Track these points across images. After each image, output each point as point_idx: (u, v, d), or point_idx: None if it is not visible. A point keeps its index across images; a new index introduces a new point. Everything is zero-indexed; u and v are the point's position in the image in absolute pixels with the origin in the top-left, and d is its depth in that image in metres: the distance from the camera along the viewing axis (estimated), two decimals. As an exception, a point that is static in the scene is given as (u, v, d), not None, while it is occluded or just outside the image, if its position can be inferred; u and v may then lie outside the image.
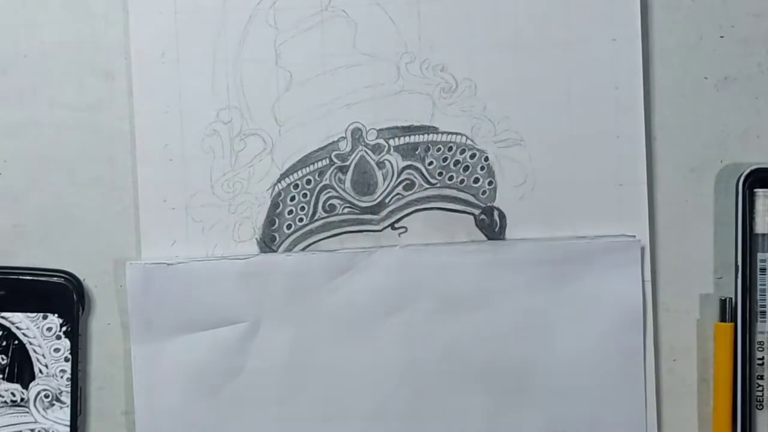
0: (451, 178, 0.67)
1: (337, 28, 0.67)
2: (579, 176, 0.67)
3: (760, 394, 0.66)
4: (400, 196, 0.67)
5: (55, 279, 0.66)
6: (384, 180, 0.67)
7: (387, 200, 0.67)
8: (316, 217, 0.67)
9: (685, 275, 0.68)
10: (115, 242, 0.67)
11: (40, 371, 0.65)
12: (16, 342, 0.65)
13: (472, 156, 0.67)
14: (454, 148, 0.67)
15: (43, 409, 0.65)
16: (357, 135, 0.67)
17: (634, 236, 0.67)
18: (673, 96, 0.68)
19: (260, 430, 0.66)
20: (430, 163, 0.67)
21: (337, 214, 0.67)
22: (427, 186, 0.67)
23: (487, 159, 0.67)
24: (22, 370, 0.65)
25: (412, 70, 0.67)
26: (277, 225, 0.67)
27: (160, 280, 0.65)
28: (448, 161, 0.67)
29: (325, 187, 0.67)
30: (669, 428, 0.68)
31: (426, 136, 0.67)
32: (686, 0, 0.68)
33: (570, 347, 0.66)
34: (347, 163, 0.67)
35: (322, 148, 0.67)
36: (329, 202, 0.67)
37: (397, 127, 0.67)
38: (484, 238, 0.67)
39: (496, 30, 0.67)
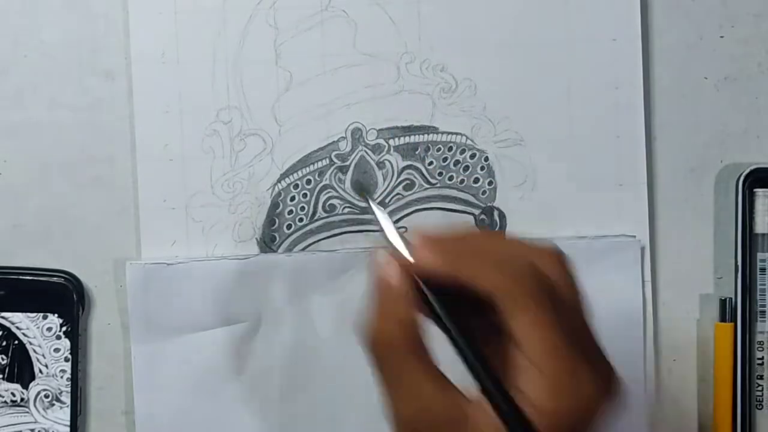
0: (451, 178, 0.67)
1: (337, 28, 0.67)
2: (579, 176, 0.67)
3: (760, 393, 0.66)
4: (400, 196, 0.67)
5: (55, 279, 0.66)
6: (384, 180, 0.67)
7: (387, 200, 0.67)
8: (316, 217, 0.67)
9: (685, 275, 0.68)
10: (115, 242, 0.66)
11: (40, 371, 0.65)
12: (16, 342, 0.65)
13: (472, 156, 0.67)
14: (454, 148, 0.67)
15: (43, 409, 0.65)
16: (357, 135, 0.67)
17: (635, 236, 0.67)
18: (673, 96, 0.68)
19: (260, 429, 0.66)
20: (430, 163, 0.67)
21: (337, 214, 0.67)
22: (427, 186, 0.67)
23: (487, 159, 0.67)
24: (22, 370, 0.65)
25: (412, 70, 0.67)
26: (277, 225, 0.67)
27: (160, 280, 0.65)
28: (448, 161, 0.67)
29: (325, 187, 0.67)
30: (669, 428, 0.68)
31: (426, 136, 0.67)
32: (686, 0, 0.68)
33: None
34: (347, 163, 0.67)
35: (322, 148, 0.67)
36: (329, 202, 0.67)
37: (397, 127, 0.67)
38: (484, 238, 0.67)
39: (496, 30, 0.67)
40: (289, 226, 0.67)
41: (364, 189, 0.67)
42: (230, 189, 0.67)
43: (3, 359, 0.65)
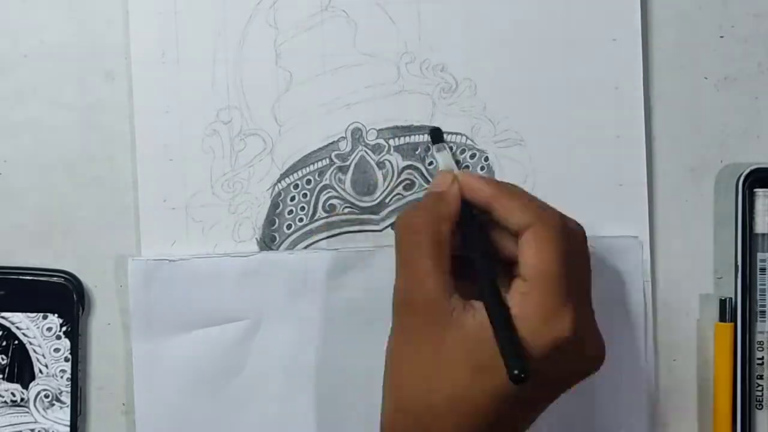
0: (451, 178, 0.67)
1: (337, 28, 0.67)
2: (579, 176, 0.67)
3: (759, 393, 0.66)
4: (400, 196, 0.67)
5: (55, 279, 0.66)
6: (384, 180, 0.67)
7: (387, 200, 0.67)
8: (316, 217, 0.67)
9: (685, 275, 0.68)
10: (115, 242, 0.66)
11: (40, 371, 0.65)
12: (16, 342, 0.65)
13: (472, 156, 0.67)
14: (454, 148, 0.67)
15: (43, 409, 0.65)
16: (357, 135, 0.67)
17: (636, 237, 0.67)
18: (673, 96, 0.68)
19: (261, 428, 0.66)
20: (430, 163, 0.67)
21: (337, 214, 0.67)
22: (428, 186, 0.67)
23: (487, 159, 0.67)
24: (22, 370, 0.65)
25: (412, 70, 0.67)
26: (277, 225, 0.67)
27: (161, 277, 0.65)
28: (448, 161, 0.67)
29: (325, 187, 0.67)
30: (669, 428, 0.68)
31: (426, 136, 0.67)
32: (686, 0, 0.68)
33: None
34: (347, 163, 0.67)
35: (322, 148, 0.67)
36: (329, 202, 0.67)
37: (397, 127, 0.67)
38: (484, 238, 0.67)
39: (496, 30, 0.67)
40: (289, 226, 0.67)
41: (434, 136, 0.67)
42: (230, 189, 0.67)
43: (3, 359, 0.65)
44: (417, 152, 0.67)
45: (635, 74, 0.67)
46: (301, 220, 0.67)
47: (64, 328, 0.65)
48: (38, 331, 0.65)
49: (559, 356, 0.55)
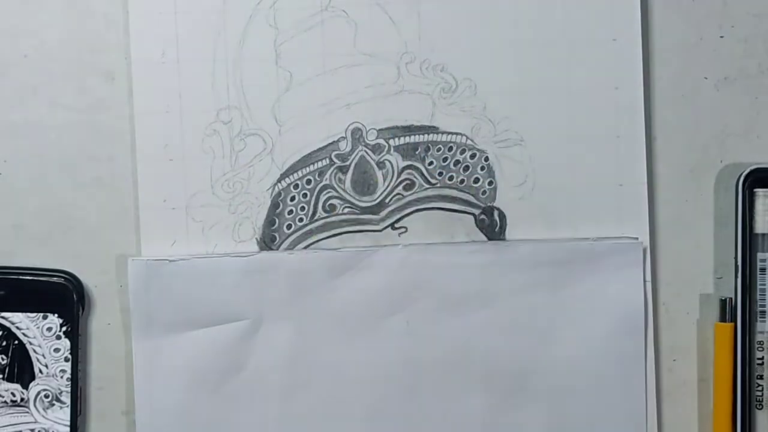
0: (451, 178, 0.67)
1: (337, 28, 0.67)
2: (579, 176, 0.67)
3: (759, 393, 0.66)
4: (400, 196, 0.67)
5: (55, 279, 0.66)
6: (384, 180, 0.67)
7: (387, 200, 0.67)
8: (316, 217, 0.67)
9: (685, 275, 0.68)
10: (115, 242, 0.67)
11: (40, 371, 0.65)
12: (16, 342, 0.65)
13: (472, 156, 0.67)
14: (454, 148, 0.67)
15: (43, 409, 0.65)
16: (357, 135, 0.67)
17: (636, 238, 0.67)
18: (673, 96, 0.68)
19: (261, 428, 0.66)
20: (430, 163, 0.67)
21: (337, 214, 0.67)
22: (427, 186, 0.67)
23: (487, 159, 0.67)
24: (22, 370, 0.65)
25: (412, 70, 0.67)
26: (277, 225, 0.67)
27: (161, 277, 0.65)
28: (448, 161, 0.67)
29: (325, 187, 0.67)
30: (669, 428, 0.68)
31: (426, 136, 0.67)
32: (686, 0, 0.68)
33: (570, 347, 0.66)
34: (347, 163, 0.67)
35: (322, 148, 0.67)
36: (329, 202, 0.67)
37: (397, 127, 0.67)
38: (484, 238, 0.67)
39: (496, 30, 0.67)
40: (289, 226, 0.67)
41: None
42: (230, 189, 0.67)
43: (3, 359, 0.65)
44: (417, 152, 0.67)
45: (635, 74, 0.67)
46: (301, 220, 0.67)
47: (64, 328, 0.65)
48: (38, 331, 0.65)
49: None
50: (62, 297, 0.65)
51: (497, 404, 0.67)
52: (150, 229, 0.66)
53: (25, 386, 0.65)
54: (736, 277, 0.66)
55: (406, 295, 0.66)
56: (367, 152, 0.67)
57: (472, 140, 0.67)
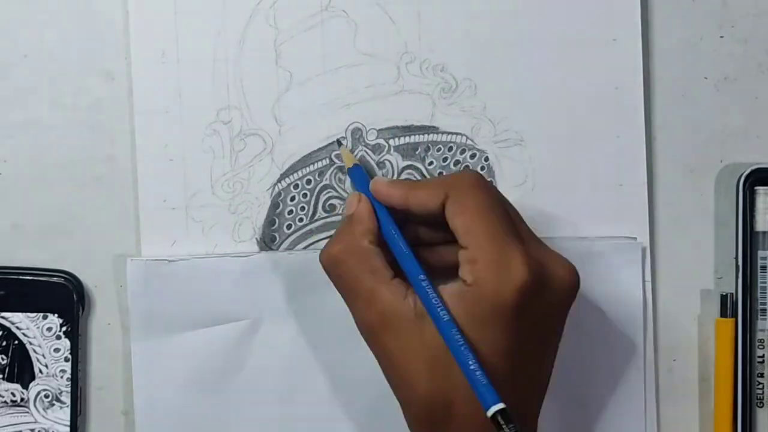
0: (451, 178, 0.67)
1: (337, 28, 0.67)
2: (579, 176, 0.67)
3: (760, 392, 0.66)
4: (400, 196, 0.67)
5: (55, 279, 0.66)
6: (384, 180, 0.67)
7: (387, 200, 0.67)
8: (316, 217, 0.67)
9: (685, 275, 0.68)
10: (115, 242, 0.66)
11: (40, 371, 0.65)
12: (16, 342, 0.65)
13: (473, 156, 0.67)
14: (455, 148, 0.67)
15: (43, 409, 0.65)
16: (357, 135, 0.67)
17: (635, 238, 0.67)
18: (673, 96, 0.68)
19: (260, 428, 0.66)
20: (431, 163, 0.67)
21: (337, 214, 0.67)
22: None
23: (487, 159, 0.67)
24: (22, 370, 0.65)
25: (412, 70, 0.67)
26: (277, 225, 0.67)
27: (161, 277, 0.65)
28: (448, 161, 0.67)
29: (325, 187, 0.67)
30: (669, 428, 0.68)
31: (426, 136, 0.67)
32: (686, 0, 0.68)
33: (569, 347, 0.66)
34: (347, 163, 0.67)
35: (322, 148, 0.67)
36: (329, 202, 0.67)
37: (397, 127, 0.67)
38: (485, 238, 0.67)
39: (496, 30, 0.67)
40: (289, 226, 0.67)
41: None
42: (230, 189, 0.67)
43: (3, 359, 0.65)
44: (417, 152, 0.67)
45: (635, 74, 0.67)
46: (301, 220, 0.67)
47: (64, 328, 0.65)
48: (38, 331, 0.65)
49: (532, 299, 0.55)
50: (62, 297, 0.65)
51: (497, 404, 0.66)
52: (150, 229, 0.66)
53: (25, 386, 0.65)
54: (736, 274, 0.66)
55: (406, 295, 0.66)
56: (367, 152, 0.67)
57: (472, 140, 0.67)
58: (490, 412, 0.52)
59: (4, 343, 0.65)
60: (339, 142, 0.66)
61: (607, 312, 0.67)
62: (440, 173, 0.67)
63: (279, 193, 0.67)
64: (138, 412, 0.66)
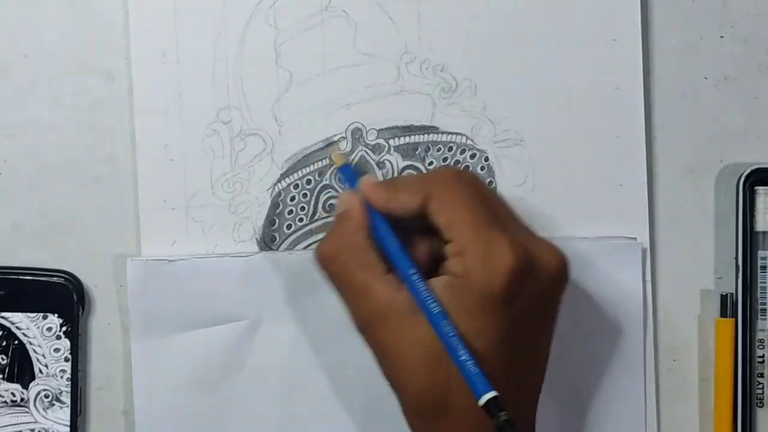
0: (451, 178, 0.67)
1: (337, 28, 0.67)
2: (579, 176, 0.67)
3: (760, 391, 0.66)
4: (400, 196, 0.67)
5: (55, 279, 0.66)
6: (384, 180, 0.67)
7: (387, 200, 0.67)
8: (316, 217, 0.67)
9: (685, 275, 0.68)
10: (115, 242, 0.66)
11: (40, 371, 0.65)
12: (16, 342, 0.65)
13: (473, 156, 0.67)
14: (455, 148, 0.67)
15: (43, 409, 0.65)
16: (357, 135, 0.67)
17: (635, 238, 0.67)
18: (673, 96, 0.68)
19: (260, 428, 0.66)
20: (431, 163, 0.67)
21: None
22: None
23: (487, 159, 0.67)
24: (22, 370, 0.65)
25: (412, 70, 0.67)
26: (277, 225, 0.67)
27: (161, 277, 0.65)
28: (448, 161, 0.67)
29: (325, 187, 0.67)
30: (669, 428, 0.68)
31: (426, 136, 0.67)
32: (686, 0, 0.68)
33: (569, 347, 0.66)
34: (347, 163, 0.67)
35: (322, 148, 0.67)
36: (329, 202, 0.67)
37: (397, 127, 0.67)
38: (485, 238, 0.67)
39: (496, 30, 0.67)
40: (289, 226, 0.67)
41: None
42: (230, 189, 0.67)
43: (3, 359, 0.65)
44: (417, 152, 0.67)
45: (635, 74, 0.67)
46: (301, 220, 0.67)
47: (64, 328, 0.65)
48: (38, 331, 0.65)
49: (521, 286, 0.55)
50: (62, 297, 0.65)
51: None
52: (150, 229, 0.66)
53: (25, 386, 0.65)
54: (736, 274, 0.66)
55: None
56: (367, 152, 0.67)
57: (472, 140, 0.67)
58: (482, 401, 0.52)
59: (4, 343, 0.65)
60: (329, 144, 0.66)
61: (607, 312, 0.67)
62: (440, 173, 0.67)
63: (279, 193, 0.67)
64: (138, 412, 0.66)
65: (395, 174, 0.67)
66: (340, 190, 0.67)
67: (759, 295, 0.66)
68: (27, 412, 0.65)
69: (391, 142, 0.67)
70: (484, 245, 0.55)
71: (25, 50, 0.66)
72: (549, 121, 0.67)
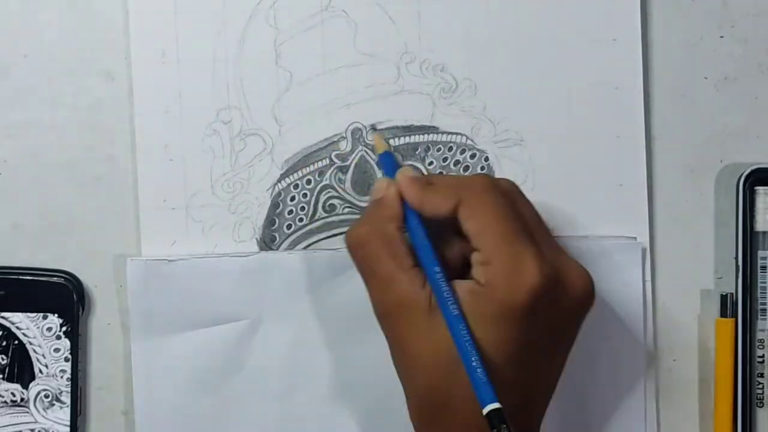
0: (451, 178, 0.67)
1: (337, 28, 0.67)
2: (579, 176, 0.67)
3: (760, 391, 0.66)
4: (400, 196, 0.67)
5: (55, 279, 0.66)
6: (384, 180, 0.67)
7: (387, 200, 0.67)
8: (316, 217, 0.67)
9: (685, 275, 0.68)
10: (115, 242, 0.66)
11: (40, 371, 0.65)
12: (16, 342, 0.65)
13: (473, 156, 0.67)
14: (455, 148, 0.67)
15: (43, 409, 0.65)
16: (357, 135, 0.67)
17: (635, 238, 0.67)
18: (673, 96, 0.68)
19: (260, 428, 0.66)
20: (431, 163, 0.67)
21: (337, 214, 0.67)
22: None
23: (487, 159, 0.67)
24: (22, 370, 0.65)
25: (412, 70, 0.67)
26: (277, 225, 0.67)
27: (160, 277, 0.65)
28: (448, 161, 0.67)
29: (325, 187, 0.67)
30: (669, 428, 0.68)
31: (426, 136, 0.67)
32: (686, 0, 0.68)
33: (570, 347, 0.66)
34: (347, 163, 0.67)
35: (322, 148, 0.67)
36: (329, 202, 0.67)
37: (397, 127, 0.67)
38: (485, 237, 0.67)
39: (496, 30, 0.67)
40: (289, 226, 0.67)
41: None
42: (230, 189, 0.67)
43: (3, 359, 0.65)
44: (417, 152, 0.67)
45: (635, 74, 0.67)
46: (301, 220, 0.67)
47: (64, 328, 0.65)
48: (38, 331, 0.65)
49: (544, 303, 0.55)
50: (62, 297, 0.65)
51: (497, 404, 0.66)
52: (150, 229, 0.66)
53: (25, 386, 0.65)
54: (736, 274, 0.66)
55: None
56: (367, 152, 0.67)
57: (472, 140, 0.67)
58: (485, 411, 0.52)
59: (4, 343, 0.65)
60: (374, 128, 0.66)
61: (607, 312, 0.67)
62: (440, 173, 0.67)
63: (279, 193, 0.67)
64: (138, 412, 0.66)
65: (395, 174, 0.67)
66: (340, 190, 0.67)
67: (759, 295, 0.66)
68: (27, 412, 0.65)
69: (391, 142, 0.67)
70: (511, 258, 0.55)
71: (25, 50, 0.66)
72: (549, 121, 0.67)
